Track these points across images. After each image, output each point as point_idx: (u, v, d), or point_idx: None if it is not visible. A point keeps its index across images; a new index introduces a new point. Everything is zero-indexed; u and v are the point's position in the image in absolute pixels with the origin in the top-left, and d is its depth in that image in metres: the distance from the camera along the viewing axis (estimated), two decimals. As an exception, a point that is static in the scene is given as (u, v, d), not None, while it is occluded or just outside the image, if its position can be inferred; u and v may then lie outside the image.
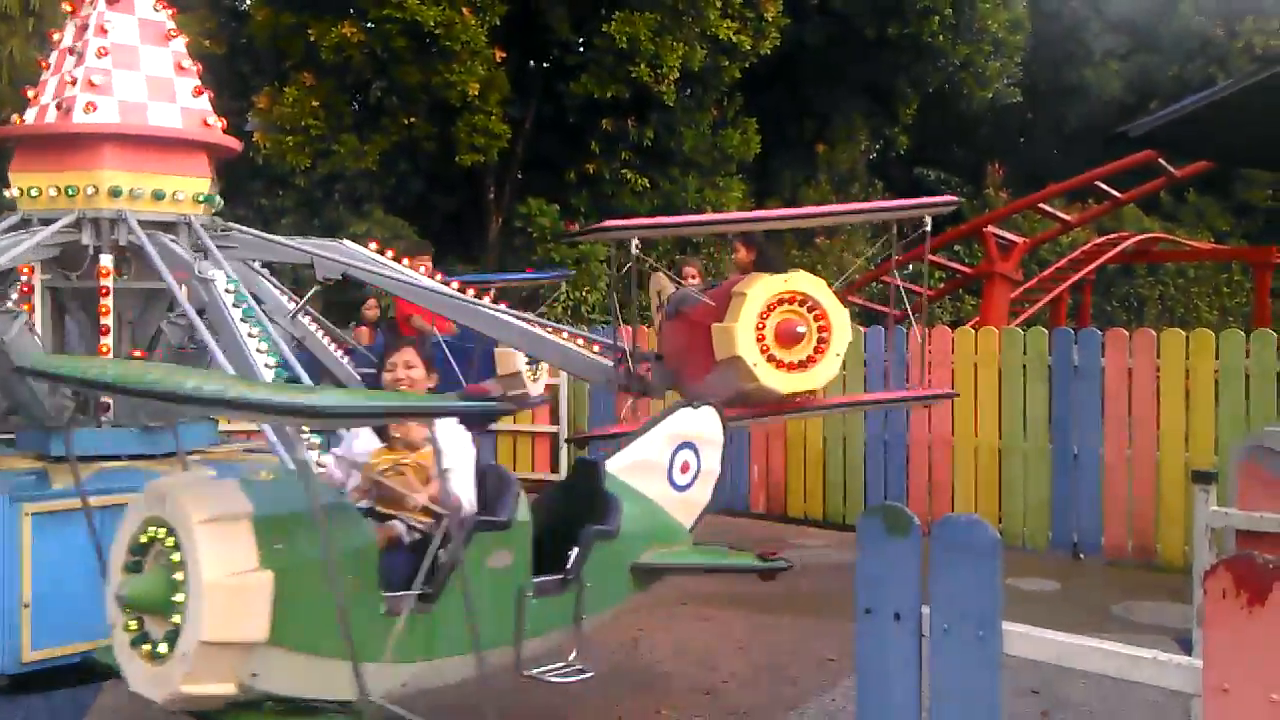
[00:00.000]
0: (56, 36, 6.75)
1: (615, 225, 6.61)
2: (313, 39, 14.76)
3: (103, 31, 6.53)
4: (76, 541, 4.54)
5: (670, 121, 16.86)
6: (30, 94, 6.67)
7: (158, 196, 6.52)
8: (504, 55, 15.53)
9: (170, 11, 7.02)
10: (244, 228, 7.14)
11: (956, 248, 19.65)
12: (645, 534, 4.77)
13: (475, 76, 14.75)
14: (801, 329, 5.74)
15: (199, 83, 6.89)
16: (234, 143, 7.26)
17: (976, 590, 2.87)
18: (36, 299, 6.61)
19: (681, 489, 5.11)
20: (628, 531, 4.58)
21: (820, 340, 5.82)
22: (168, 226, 6.47)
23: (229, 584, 3.34)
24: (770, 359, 5.74)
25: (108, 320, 6.33)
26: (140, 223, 6.40)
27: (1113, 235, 19.32)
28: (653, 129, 16.54)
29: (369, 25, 14.84)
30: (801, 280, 5.91)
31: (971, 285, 18.51)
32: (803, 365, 5.80)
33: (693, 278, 7.97)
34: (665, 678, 5.55)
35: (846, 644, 5.70)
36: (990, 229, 15.43)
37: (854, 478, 9.12)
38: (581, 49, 16.38)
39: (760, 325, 5.70)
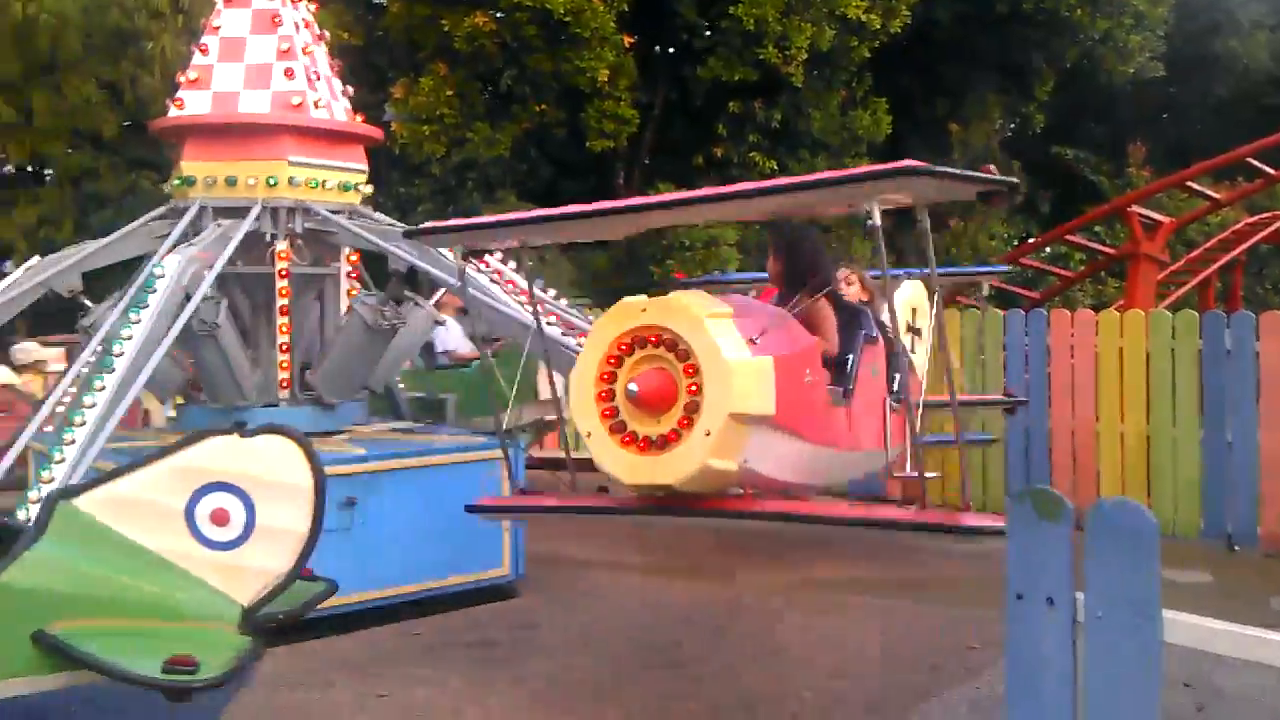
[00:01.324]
0: (215, 23, 6.98)
1: (443, 226, 5.25)
2: (446, 29, 15.06)
3: (298, 28, 6.86)
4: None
5: (798, 103, 16.71)
6: (188, 78, 6.89)
7: (341, 187, 6.87)
8: (632, 41, 15.60)
9: (314, 7, 7.28)
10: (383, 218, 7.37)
11: (1097, 228, 19.03)
12: (81, 597, 3.54)
13: (605, 63, 14.86)
14: (669, 387, 3.92)
15: (342, 83, 7.20)
16: (378, 133, 7.49)
17: (1134, 575, 2.79)
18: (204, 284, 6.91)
19: (221, 547, 3.76)
20: (23, 586, 3.40)
21: (688, 407, 3.90)
22: (335, 214, 6.75)
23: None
24: (616, 430, 4.05)
25: (285, 302, 6.62)
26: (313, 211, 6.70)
27: (1265, 215, 18.44)
28: (781, 111, 16.42)
29: (500, 15, 15.06)
30: (669, 308, 4.01)
31: (1114, 268, 17.90)
32: (658, 446, 3.96)
33: (850, 284, 6.78)
34: (805, 661, 5.53)
35: (987, 631, 5.61)
36: (1134, 208, 14.89)
37: (994, 465, 8.93)
38: (709, 32, 16.34)
39: (605, 376, 4.04)
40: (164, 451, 3.72)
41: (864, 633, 6.00)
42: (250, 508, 3.73)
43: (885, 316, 5.07)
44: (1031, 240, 20.34)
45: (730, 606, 6.42)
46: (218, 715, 3.78)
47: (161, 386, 6.90)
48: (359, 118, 7.20)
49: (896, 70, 19.00)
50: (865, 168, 4.08)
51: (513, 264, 6.99)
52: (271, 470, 3.75)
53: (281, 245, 6.59)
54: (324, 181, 6.76)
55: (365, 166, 7.00)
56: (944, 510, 4.54)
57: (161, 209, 6.88)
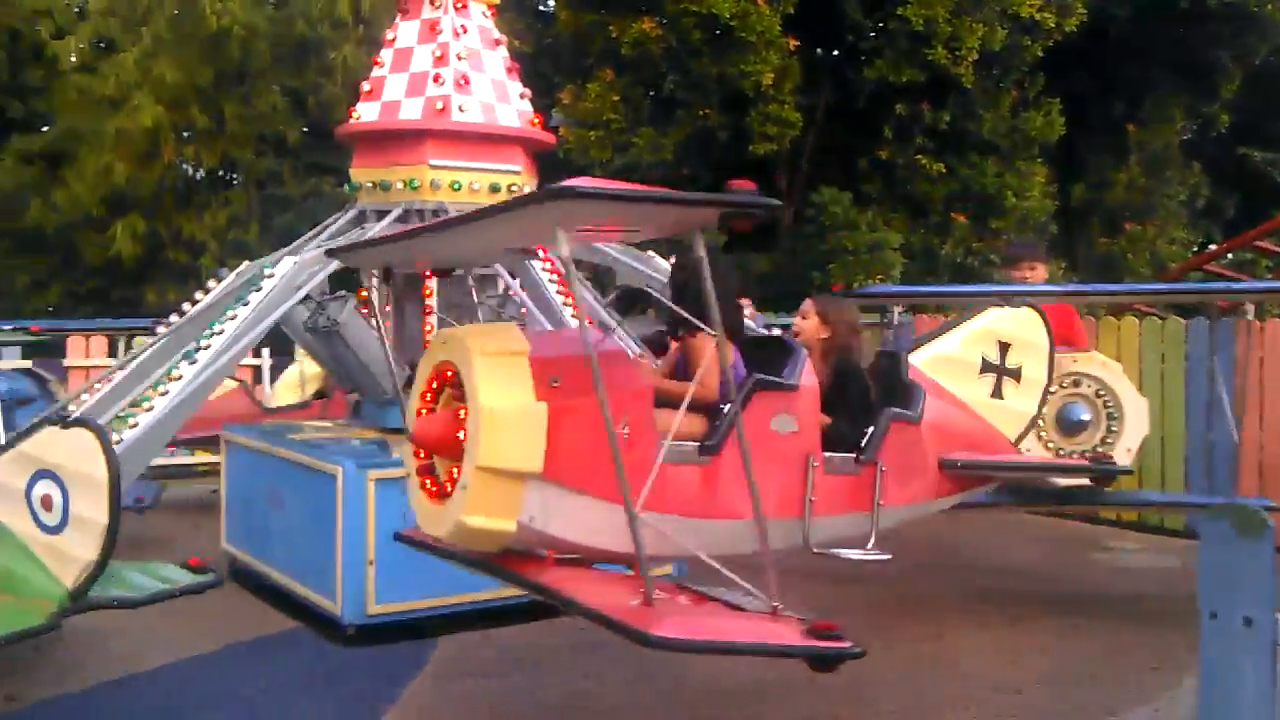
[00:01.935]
0: (390, 36, 7.31)
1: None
2: (613, 35, 15.26)
3: (456, 33, 7.09)
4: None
5: (968, 104, 16.34)
6: (364, 90, 7.24)
7: (490, 188, 7.02)
8: (797, 43, 15.53)
9: (492, 11, 7.49)
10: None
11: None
12: None
13: (769, 66, 14.83)
14: (461, 434, 3.53)
15: (522, 86, 7.36)
16: (550, 138, 7.67)
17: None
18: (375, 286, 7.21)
19: (48, 530, 3.96)
20: None
21: (460, 455, 3.50)
22: None
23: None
24: (422, 472, 3.76)
25: (431, 302, 6.86)
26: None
27: None
28: (949, 113, 16.09)
29: (665, 20, 15.19)
30: (452, 342, 3.64)
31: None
32: (440, 495, 3.65)
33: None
34: (971, 675, 5.43)
35: (1167, 652, 5.42)
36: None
37: (1173, 479, 8.58)
38: (874, 34, 16.15)
39: (419, 414, 3.77)
40: (19, 436, 3.98)
41: (1038, 648, 5.85)
42: (65, 495, 3.92)
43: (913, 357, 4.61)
44: (1214, 247, 19.43)
45: (893, 614, 6.34)
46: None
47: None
48: (537, 120, 7.37)
49: (1070, 70, 18.38)
50: (514, 199, 3.31)
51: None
52: (75, 460, 3.88)
53: None
54: (469, 184, 6.92)
55: (519, 167, 7.10)
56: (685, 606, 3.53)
57: (349, 214, 7.20)
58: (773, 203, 3.26)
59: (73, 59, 17.49)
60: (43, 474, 3.94)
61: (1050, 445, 5.50)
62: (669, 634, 3.09)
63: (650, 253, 7.76)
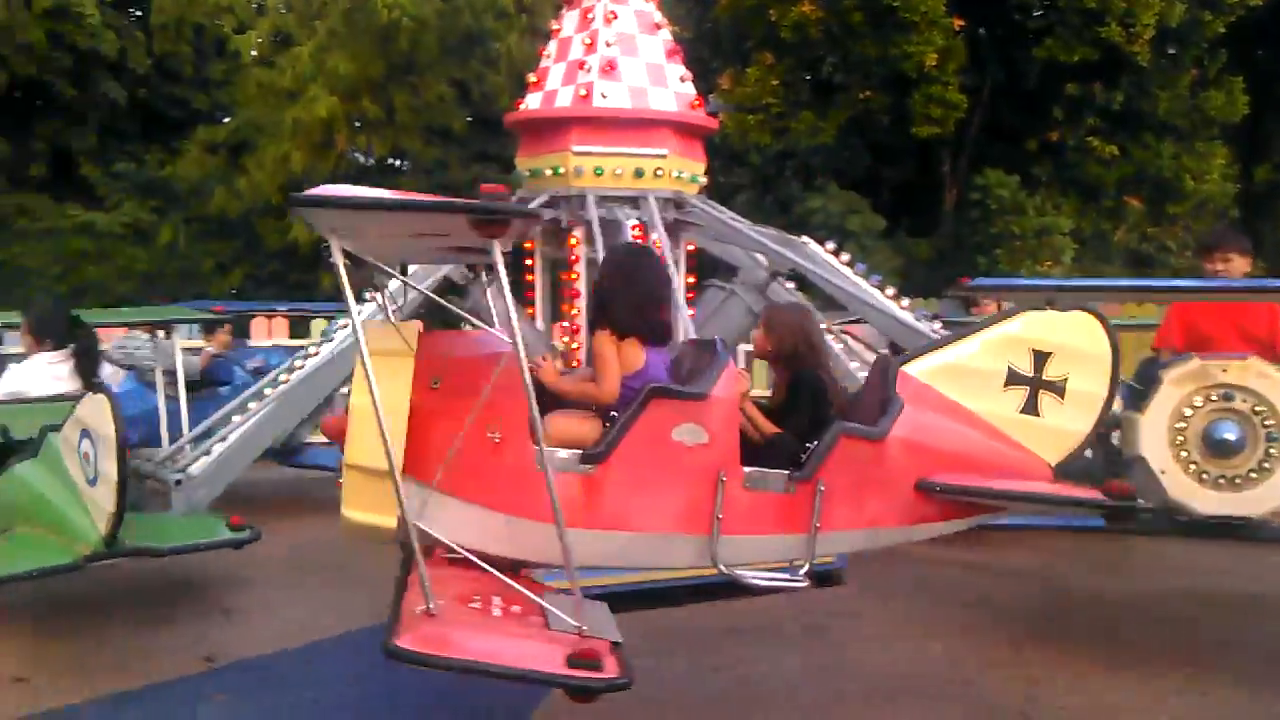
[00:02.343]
0: (555, 26, 7.44)
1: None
2: (773, 19, 15.21)
3: (607, 20, 7.15)
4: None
5: (1143, 83, 15.73)
6: (530, 82, 7.39)
7: (634, 173, 7.07)
8: (961, 23, 15.20)
9: (655, 1, 7.52)
10: (712, 207, 7.52)
11: None
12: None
13: (933, 46, 14.57)
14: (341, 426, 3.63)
15: (684, 69, 7.37)
16: (712, 122, 7.68)
17: None
18: (537, 268, 7.39)
19: (89, 483, 4.61)
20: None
21: None
22: (635, 201, 6.98)
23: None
24: None
25: (579, 285, 6.95)
26: (609, 198, 6.98)
27: None
28: (1123, 92, 15.52)
29: (826, 2, 15.05)
30: (366, 337, 3.32)
31: None
32: None
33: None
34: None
35: None
36: None
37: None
38: (1040, 12, 15.67)
39: None
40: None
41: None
42: (95, 451, 4.56)
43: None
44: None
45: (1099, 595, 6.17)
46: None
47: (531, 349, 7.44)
48: (698, 103, 7.38)
49: (1254, 46, 17.49)
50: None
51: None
52: (103, 421, 4.50)
53: (579, 232, 6.90)
54: (612, 169, 6.97)
55: (666, 151, 7.06)
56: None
57: (541, 198, 7.35)
58: (525, 210, 3.08)
59: (253, 53, 18.31)
60: (85, 433, 4.62)
61: (1193, 468, 5.01)
62: (410, 646, 3.05)
63: (804, 238, 7.68)
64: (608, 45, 7.09)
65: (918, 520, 4.02)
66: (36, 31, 17.31)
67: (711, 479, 3.70)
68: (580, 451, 3.57)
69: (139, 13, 20.15)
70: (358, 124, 16.55)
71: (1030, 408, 4.20)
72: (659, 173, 7.00)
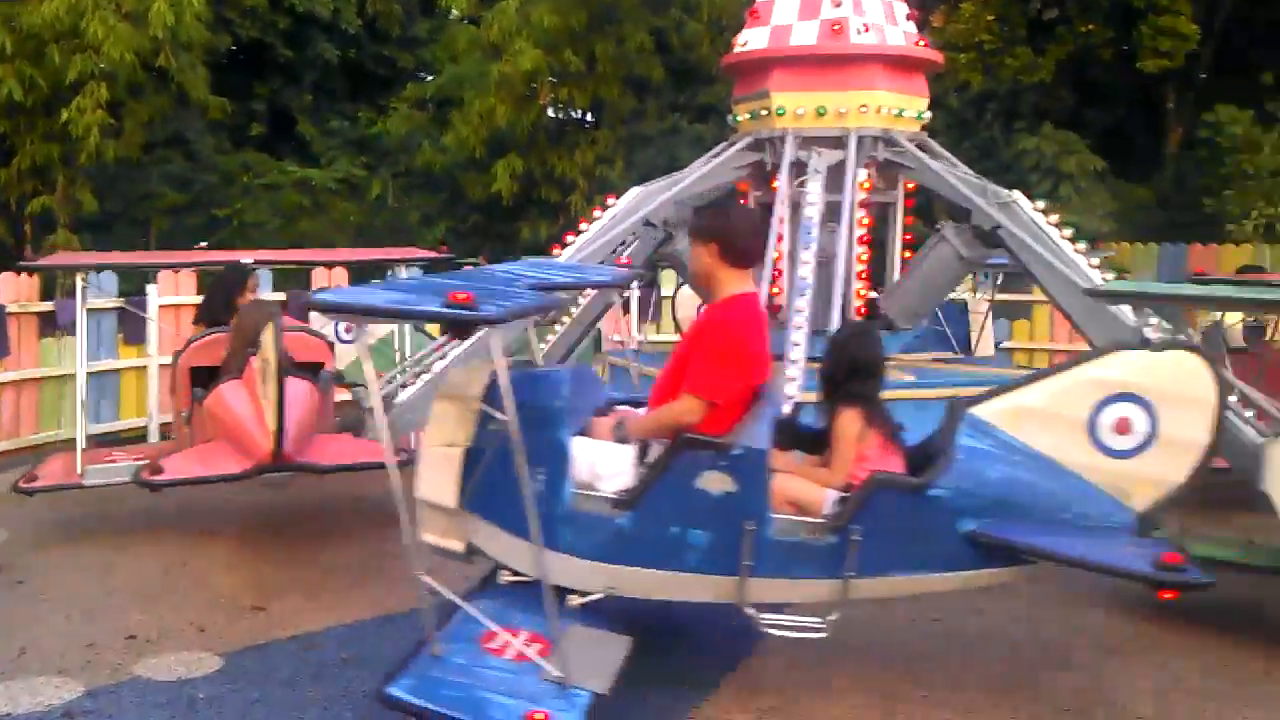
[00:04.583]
0: (766, -32, 7.22)
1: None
2: (989, -48, 14.52)
3: None
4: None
5: (1407, 6, 14.34)
6: (750, 13, 7.20)
7: (916, 114, 6.88)
8: (1195, -52, 14.16)
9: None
10: (927, 147, 7.17)
11: None
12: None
13: (1164, -27, 13.62)
14: None
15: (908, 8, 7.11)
16: (936, 56, 7.34)
17: None
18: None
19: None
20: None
21: None
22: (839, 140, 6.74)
23: None
24: None
25: (864, 232, 6.81)
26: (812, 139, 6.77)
27: None
28: (1383, 17, 14.18)
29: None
30: None
31: None
32: None
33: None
34: None
35: None
36: None
37: None
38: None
39: None
40: None
41: None
42: None
43: None
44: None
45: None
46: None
47: None
48: (921, 42, 7.08)
49: None
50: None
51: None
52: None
53: (863, 175, 6.70)
54: (815, 108, 6.77)
55: (926, 93, 6.90)
56: None
57: (743, 141, 7.17)
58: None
59: (456, 11, 18.58)
60: None
61: None
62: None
63: (1014, 193, 6.95)
64: None
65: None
66: (259, -5, 18.04)
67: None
68: None
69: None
70: (555, 79, 16.61)
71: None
72: (863, 109, 6.80)
